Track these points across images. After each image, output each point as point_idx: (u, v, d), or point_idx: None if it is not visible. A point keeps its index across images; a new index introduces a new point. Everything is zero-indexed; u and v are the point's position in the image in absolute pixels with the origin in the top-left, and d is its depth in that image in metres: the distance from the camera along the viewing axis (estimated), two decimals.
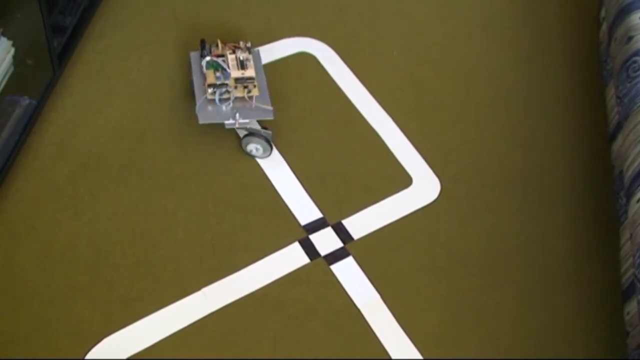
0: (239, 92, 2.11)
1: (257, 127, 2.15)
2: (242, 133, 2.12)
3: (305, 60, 2.45)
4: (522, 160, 2.25)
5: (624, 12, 2.03)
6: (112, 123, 2.19)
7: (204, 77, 2.14)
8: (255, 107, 2.10)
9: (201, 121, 2.08)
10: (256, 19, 2.53)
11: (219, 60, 2.15)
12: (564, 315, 1.93)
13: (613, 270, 1.99)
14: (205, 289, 1.87)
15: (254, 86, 2.12)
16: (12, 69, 2.13)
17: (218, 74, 2.12)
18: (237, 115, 2.06)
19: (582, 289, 1.98)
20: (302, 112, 2.29)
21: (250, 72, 2.16)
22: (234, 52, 2.19)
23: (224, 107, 2.09)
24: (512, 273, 1.99)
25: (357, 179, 2.15)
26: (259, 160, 2.14)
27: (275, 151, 2.17)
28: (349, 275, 1.94)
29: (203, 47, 2.19)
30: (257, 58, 2.24)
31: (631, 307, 1.79)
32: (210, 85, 2.10)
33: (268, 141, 2.09)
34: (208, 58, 2.15)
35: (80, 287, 1.85)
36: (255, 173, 2.12)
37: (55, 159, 2.09)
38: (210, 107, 2.09)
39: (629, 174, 1.82)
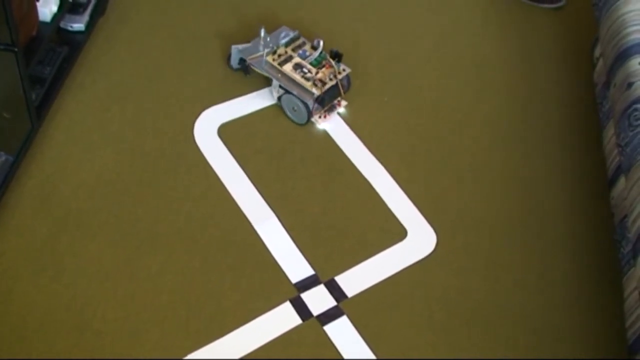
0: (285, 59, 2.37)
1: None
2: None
3: None
4: (520, 207, 2.18)
5: (623, 57, 1.97)
6: (94, 177, 2.11)
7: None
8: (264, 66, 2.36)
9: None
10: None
11: (320, 55, 2.37)
12: None
13: (617, 322, 1.92)
14: (191, 355, 1.78)
15: (295, 65, 2.34)
16: None
17: (300, 50, 2.39)
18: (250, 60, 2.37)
19: (585, 342, 1.92)
20: (292, 162, 2.22)
21: (296, 76, 2.32)
22: (329, 66, 2.35)
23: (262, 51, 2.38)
24: (513, 327, 1.92)
25: (350, 233, 2.07)
26: (247, 214, 2.07)
27: (264, 204, 2.10)
28: (343, 336, 1.85)
29: (336, 56, 2.39)
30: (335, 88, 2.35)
31: None
32: (288, 44, 2.41)
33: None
34: (321, 50, 2.39)
35: (60, 355, 1.75)
36: (243, 228, 2.04)
37: (34, 217, 2.00)
38: (259, 47, 2.40)
39: (634, 228, 1.76)
